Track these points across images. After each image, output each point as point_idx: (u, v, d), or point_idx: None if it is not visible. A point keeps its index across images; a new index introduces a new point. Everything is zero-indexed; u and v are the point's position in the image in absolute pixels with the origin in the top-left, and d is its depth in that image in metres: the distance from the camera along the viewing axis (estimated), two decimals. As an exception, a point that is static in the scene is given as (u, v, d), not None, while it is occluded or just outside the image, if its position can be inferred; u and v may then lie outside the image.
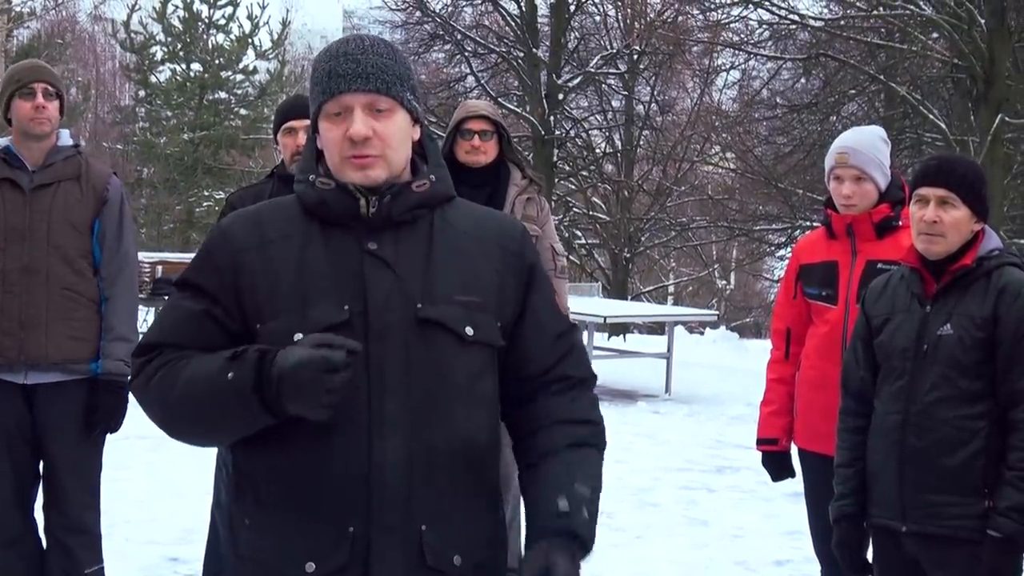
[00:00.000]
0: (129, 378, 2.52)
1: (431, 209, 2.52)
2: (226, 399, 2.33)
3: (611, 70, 27.69)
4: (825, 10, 22.32)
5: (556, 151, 26.47)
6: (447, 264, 2.46)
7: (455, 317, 2.42)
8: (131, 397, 4.76)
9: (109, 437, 4.95)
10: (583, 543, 2.38)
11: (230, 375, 2.32)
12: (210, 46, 34.01)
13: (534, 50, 26.03)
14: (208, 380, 2.35)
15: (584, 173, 29.02)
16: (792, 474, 4.81)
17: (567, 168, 28.53)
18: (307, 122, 4.99)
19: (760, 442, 4.84)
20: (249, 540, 2.45)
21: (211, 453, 6.40)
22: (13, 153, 4.75)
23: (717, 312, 24.46)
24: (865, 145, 4.51)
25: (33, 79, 4.74)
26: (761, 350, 23.49)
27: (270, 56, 34.31)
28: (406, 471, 2.36)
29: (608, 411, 13.20)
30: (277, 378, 2.27)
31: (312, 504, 2.36)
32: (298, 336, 2.33)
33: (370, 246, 2.43)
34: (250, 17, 34.02)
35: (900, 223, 4.41)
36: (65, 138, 4.87)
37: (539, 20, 27.02)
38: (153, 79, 34.93)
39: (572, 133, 28.09)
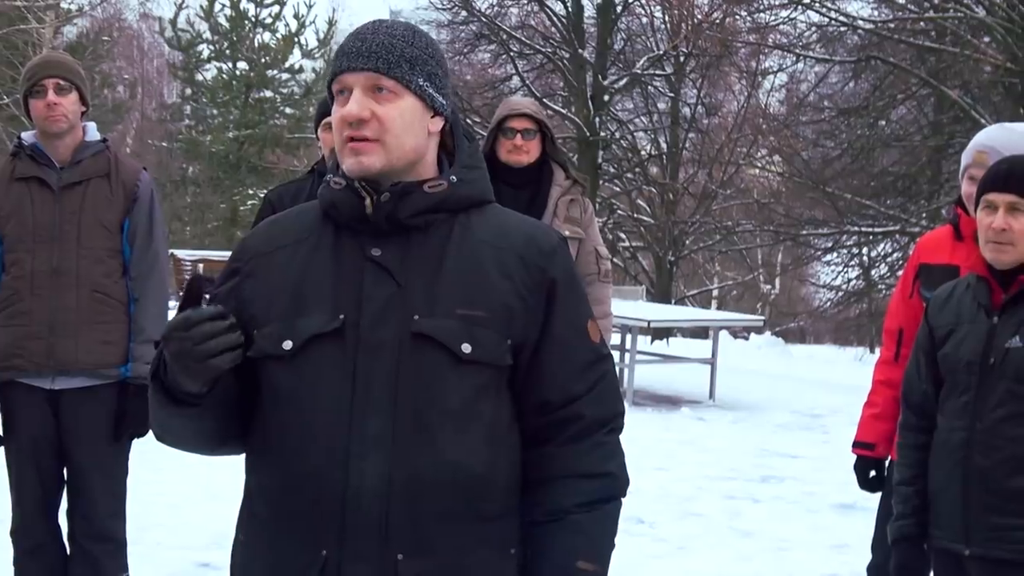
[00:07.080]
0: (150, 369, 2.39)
1: (452, 214, 2.31)
2: (152, 392, 2.30)
3: (657, 72, 27.55)
4: (875, 12, 22.04)
5: (601, 153, 26.38)
6: (455, 274, 2.26)
7: (450, 332, 2.21)
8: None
9: (142, 439, 4.80)
10: None
11: (148, 367, 2.33)
12: (256, 44, 34.24)
13: (580, 51, 25.94)
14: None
15: (629, 175, 28.94)
16: (883, 487, 4.51)
17: (612, 170, 28.46)
18: (346, 119, 4.91)
19: (856, 445, 4.54)
20: (241, 557, 2.35)
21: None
22: (40, 150, 4.62)
23: (764, 317, 24.19)
24: (1010, 145, 4.04)
25: (43, 76, 4.57)
26: (807, 356, 23.43)
27: (316, 55, 34.47)
28: (384, 495, 2.17)
29: (651, 417, 13.09)
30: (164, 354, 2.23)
31: (290, 524, 2.22)
32: (288, 344, 2.21)
33: (373, 252, 2.25)
34: (296, 16, 34.17)
35: None
36: (92, 132, 4.72)
37: (585, 21, 26.93)
38: (199, 77, 35.18)
39: (617, 135, 28.03)
